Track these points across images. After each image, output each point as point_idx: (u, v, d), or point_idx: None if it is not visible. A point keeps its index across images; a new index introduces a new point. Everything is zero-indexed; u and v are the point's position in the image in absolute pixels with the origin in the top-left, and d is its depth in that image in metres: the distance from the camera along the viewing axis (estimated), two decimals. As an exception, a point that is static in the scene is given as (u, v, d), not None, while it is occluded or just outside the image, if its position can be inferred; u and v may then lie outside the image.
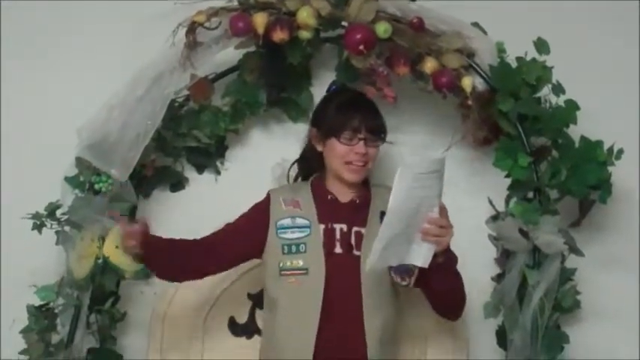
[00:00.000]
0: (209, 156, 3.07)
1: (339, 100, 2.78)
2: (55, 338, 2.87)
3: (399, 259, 2.57)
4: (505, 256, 2.89)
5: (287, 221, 2.74)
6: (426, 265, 2.57)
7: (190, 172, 3.09)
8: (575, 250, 2.86)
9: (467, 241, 2.83)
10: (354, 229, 2.72)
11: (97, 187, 2.88)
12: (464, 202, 2.95)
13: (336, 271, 2.68)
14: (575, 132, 2.87)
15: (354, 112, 2.72)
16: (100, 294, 2.90)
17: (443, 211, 2.56)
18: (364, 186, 2.79)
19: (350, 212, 2.75)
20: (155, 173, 3.02)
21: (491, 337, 2.91)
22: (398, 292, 2.77)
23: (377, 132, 2.73)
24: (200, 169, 3.08)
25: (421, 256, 2.56)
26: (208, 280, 2.93)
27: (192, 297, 2.98)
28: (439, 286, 2.67)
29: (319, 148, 2.77)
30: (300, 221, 2.74)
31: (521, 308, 2.83)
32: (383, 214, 2.57)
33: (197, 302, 2.98)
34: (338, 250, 2.71)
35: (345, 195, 2.77)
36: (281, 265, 2.71)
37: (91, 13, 3.10)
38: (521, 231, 2.83)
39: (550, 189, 2.87)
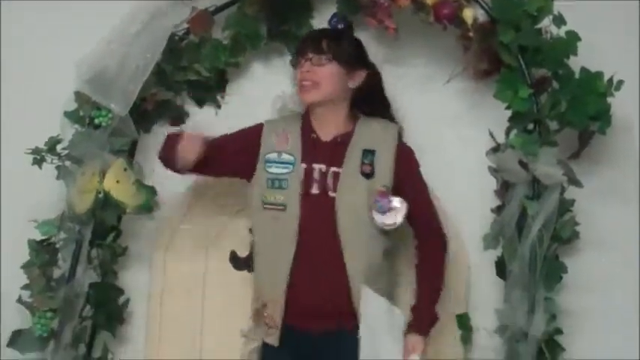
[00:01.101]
0: (209, 89, 3.08)
1: None
2: (56, 273, 2.92)
3: None
4: (505, 188, 2.93)
5: (274, 155, 2.79)
6: None
7: (191, 106, 3.11)
8: (574, 181, 2.90)
9: (467, 173, 2.90)
10: (332, 169, 2.76)
11: (96, 121, 2.91)
12: (465, 134, 3.01)
13: (310, 212, 2.73)
14: (575, 63, 2.90)
15: (306, 40, 2.83)
16: (101, 229, 2.94)
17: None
18: (350, 119, 2.82)
19: (330, 151, 2.78)
20: (155, 107, 3.04)
21: (491, 268, 2.95)
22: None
23: (323, 50, 2.77)
24: (200, 103, 3.10)
25: None
26: (209, 214, 3.02)
27: (193, 231, 3.04)
28: None
29: None
30: (285, 157, 2.79)
31: (520, 239, 2.87)
32: (365, 152, 2.67)
33: (198, 236, 3.04)
34: (314, 190, 2.75)
35: (327, 133, 2.81)
36: (264, 198, 2.76)
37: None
38: (520, 162, 2.87)
39: (550, 120, 2.90)
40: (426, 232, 2.81)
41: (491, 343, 2.97)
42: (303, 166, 2.77)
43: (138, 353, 3.06)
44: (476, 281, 3.06)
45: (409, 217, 2.75)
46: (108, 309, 2.97)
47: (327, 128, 2.81)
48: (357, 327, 2.72)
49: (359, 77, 2.81)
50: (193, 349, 3.04)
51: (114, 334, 3.01)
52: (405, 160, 2.80)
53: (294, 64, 2.87)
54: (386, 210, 2.72)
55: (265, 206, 2.77)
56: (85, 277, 2.92)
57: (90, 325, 2.96)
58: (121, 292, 3.00)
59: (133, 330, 3.07)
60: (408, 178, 2.79)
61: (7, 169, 3.08)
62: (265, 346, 2.79)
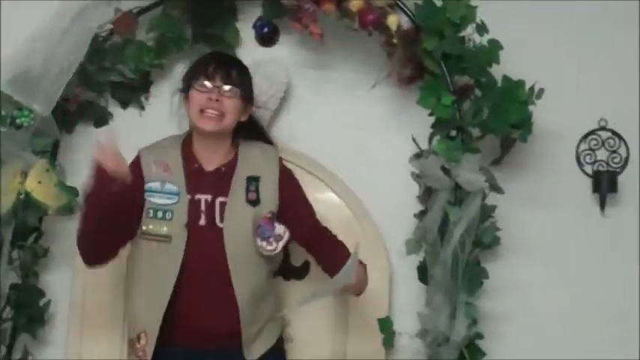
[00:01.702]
0: (133, 91, 3.09)
1: (201, 58, 2.82)
2: (-24, 274, 2.89)
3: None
4: (427, 194, 2.97)
5: (156, 185, 2.75)
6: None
7: (114, 107, 3.11)
8: (495, 187, 2.95)
9: (391, 178, 2.94)
10: (219, 199, 2.74)
11: (18, 121, 2.90)
12: (388, 140, 3.05)
13: (198, 243, 2.71)
14: (497, 71, 2.95)
15: (210, 62, 2.75)
16: (23, 229, 2.93)
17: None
18: (232, 147, 2.80)
19: (215, 181, 2.76)
20: (79, 108, 3.04)
21: (413, 272, 2.99)
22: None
23: (233, 82, 2.74)
24: (124, 104, 3.11)
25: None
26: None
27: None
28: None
29: (186, 107, 2.78)
30: (169, 187, 2.75)
31: (442, 244, 2.91)
32: (250, 179, 2.70)
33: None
34: (202, 222, 2.73)
35: (210, 162, 2.77)
36: (144, 228, 2.73)
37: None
38: (443, 169, 2.91)
39: (472, 127, 2.95)
40: (316, 236, 2.83)
41: (413, 347, 3.00)
42: (188, 197, 2.74)
43: (59, 355, 3.05)
44: (398, 285, 3.09)
45: (298, 234, 2.78)
46: (29, 311, 2.97)
47: (212, 157, 2.78)
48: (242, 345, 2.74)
49: (249, 111, 2.80)
50: (114, 353, 3.02)
51: (34, 336, 3.00)
52: (288, 183, 2.81)
53: (189, 84, 2.75)
54: (269, 236, 2.74)
55: (145, 236, 2.73)
56: (6, 279, 2.91)
57: (10, 327, 2.95)
58: (42, 293, 3.00)
59: (54, 332, 3.06)
60: (292, 200, 2.80)
61: None
62: None
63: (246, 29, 3.06)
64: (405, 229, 2.96)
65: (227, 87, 2.72)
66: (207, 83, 2.72)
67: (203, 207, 2.73)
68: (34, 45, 2.86)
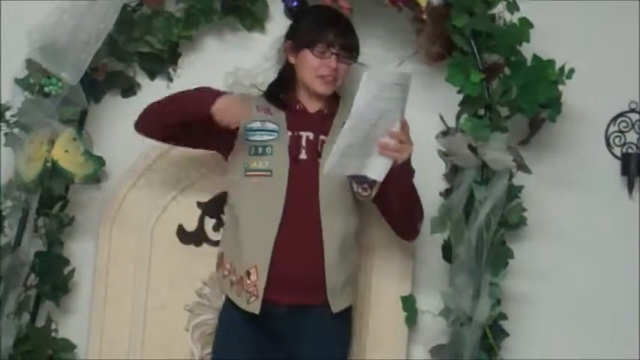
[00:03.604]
0: (161, 62, 3.14)
1: (317, 14, 2.93)
2: (2, 240, 2.97)
3: (356, 169, 2.70)
4: (454, 172, 3.01)
5: (256, 124, 2.86)
6: (381, 179, 2.71)
7: (142, 78, 3.16)
8: (522, 167, 2.99)
9: (417, 156, 2.93)
10: (321, 137, 2.84)
11: (47, 89, 2.96)
12: (415, 117, 3.03)
13: (299, 176, 2.81)
14: (527, 50, 2.99)
15: (329, 27, 2.85)
16: (49, 198, 3.00)
17: (404, 126, 2.69)
18: (333, 99, 2.91)
19: (317, 121, 2.87)
20: (107, 78, 3.10)
21: (437, 251, 3.04)
22: (360, 202, 2.88)
23: (349, 49, 2.86)
24: (152, 75, 3.16)
25: (377, 169, 2.70)
26: (157, 187, 3.09)
27: (141, 203, 3.10)
28: (394, 200, 2.81)
29: (292, 60, 2.89)
30: (269, 125, 2.86)
31: (467, 223, 2.95)
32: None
33: (146, 209, 3.10)
34: (303, 156, 2.84)
35: (313, 106, 2.90)
36: (246, 165, 2.84)
37: None
38: (470, 147, 2.95)
39: (501, 106, 2.99)
40: None
41: (436, 326, 3.05)
42: (289, 133, 2.85)
43: (82, 324, 3.11)
44: (422, 264, 3.14)
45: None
46: (53, 279, 3.04)
47: (314, 102, 2.90)
48: (327, 302, 2.81)
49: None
50: (138, 321, 3.09)
51: (58, 304, 3.07)
52: None
53: (304, 43, 2.85)
54: (363, 181, 2.79)
55: (247, 173, 2.83)
56: (31, 246, 2.98)
57: (34, 295, 3.02)
58: (66, 262, 3.07)
59: (78, 300, 3.13)
60: None
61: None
62: (228, 316, 2.87)
63: (275, 2, 3.10)
64: (430, 207, 2.98)
65: (345, 54, 2.85)
66: (326, 51, 2.83)
67: (304, 143, 2.85)
68: (63, 15, 2.91)
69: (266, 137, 2.85)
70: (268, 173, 2.82)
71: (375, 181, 2.76)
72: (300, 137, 2.85)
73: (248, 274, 2.80)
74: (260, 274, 2.78)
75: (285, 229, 2.79)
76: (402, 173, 2.74)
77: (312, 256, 2.80)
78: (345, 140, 2.62)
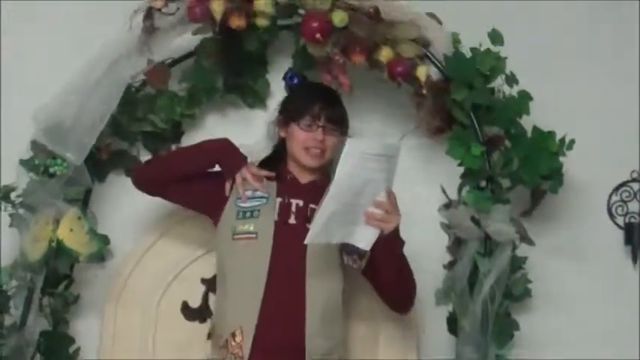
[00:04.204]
0: (165, 141, 3.19)
1: (303, 89, 3.00)
2: (7, 320, 2.98)
3: (342, 237, 2.73)
4: (457, 244, 3.03)
5: (247, 193, 2.90)
6: (368, 248, 2.74)
7: (146, 157, 3.19)
8: (526, 238, 3.01)
9: (419, 229, 2.99)
10: (311, 205, 2.88)
11: (51, 170, 3.01)
12: (417, 191, 3.13)
13: (286, 240, 2.84)
14: (527, 122, 3.03)
15: (314, 100, 2.91)
16: (54, 277, 3.02)
17: (390, 196, 2.73)
18: (323, 173, 2.96)
19: (308, 191, 2.92)
20: (110, 157, 3.14)
21: (442, 324, 3.04)
22: (347, 273, 2.90)
23: (336, 121, 2.92)
24: (155, 154, 3.18)
25: (364, 238, 2.73)
26: (162, 265, 3.12)
27: (145, 281, 3.13)
28: (384, 272, 2.83)
29: (282, 133, 2.96)
30: (258, 194, 2.91)
31: (472, 296, 2.96)
32: None
33: (150, 286, 3.13)
34: (292, 221, 2.88)
35: (305, 177, 2.95)
36: (233, 229, 2.88)
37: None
38: (473, 219, 2.97)
39: (502, 178, 3.02)
40: None
41: (443, 399, 3.06)
42: (279, 199, 2.90)
43: (88, 403, 3.13)
44: (427, 336, 3.16)
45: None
46: (58, 358, 3.04)
47: (307, 174, 2.95)
48: None
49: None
50: (142, 399, 3.12)
51: (64, 383, 3.08)
52: None
53: (291, 118, 2.91)
54: (352, 252, 2.82)
55: (235, 237, 2.87)
56: (37, 325, 2.99)
57: (40, 375, 3.04)
58: (71, 340, 3.07)
59: (84, 379, 3.15)
60: None
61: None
62: None
63: (276, 80, 3.17)
64: (434, 279, 3.01)
65: (331, 126, 2.90)
66: (312, 124, 2.90)
67: (294, 209, 2.89)
68: (68, 97, 2.97)
69: (256, 203, 2.90)
70: (254, 235, 2.86)
71: (365, 253, 2.80)
72: (290, 204, 2.90)
73: (233, 335, 2.81)
74: (245, 335, 2.80)
75: (270, 292, 2.81)
76: (390, 243, 2.77)
77: (295, 321, 2.81)
78: (329, 207, 2.66)
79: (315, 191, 2.88)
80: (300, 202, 2.90)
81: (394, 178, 2.72)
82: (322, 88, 3.01)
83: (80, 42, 3.12)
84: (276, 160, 2.99)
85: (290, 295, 2.82)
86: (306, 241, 2.71)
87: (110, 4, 3.12)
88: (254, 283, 2.82)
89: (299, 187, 2.93)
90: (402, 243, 2.82)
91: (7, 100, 3.20)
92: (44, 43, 3.22)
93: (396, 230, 2.76)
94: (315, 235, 2.69)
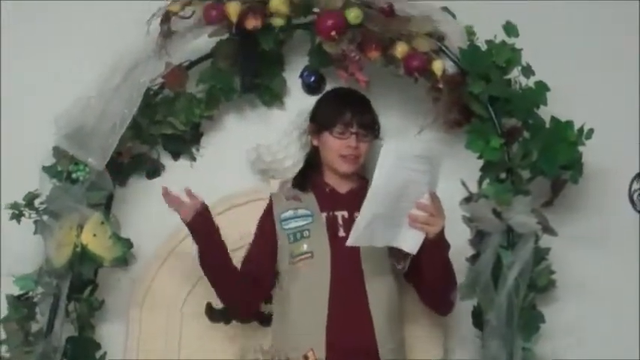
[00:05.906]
0: (184, 142, 3.27)
1: (333, 96, 3.09)
2: (34, 327, 3.06)
3: (386, 240, 2.81)
4: (479, 237, 3.08)
5: (289, 213, 3.01)
6: (414, 252, 2.83)
7: (166, 159, 3.29)
8: (548, 229, 3.06)
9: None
10: (356, 214, 2.91)
11: (74, 175, 3.09)
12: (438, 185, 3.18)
13: (341, 254, 2.93)
14: (545, 113, 3.08)
15: (345, 108, 3.00)
16: (79, 282, 3.09)
17: (434, 198, 2.81)
18: (360, 178, 3.05)
19: (350, 200, 3.00)
20: (131, 161, 3.23)
21: (468, 317, 3.10)
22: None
23: (368, 127, 3.01)
24: (176, 156, 3.29)
25: (409, 241, 2.82)
26: (185, 267, 3.17)
27: (169, 284, 3.20)
28: (428, 275, 2.90)
29: (314, 142, 3.05)
30: (301, 212, 3.01)
31: (496, 288, 3.00)
32: None
33: (174, 289, 3.20)
34: (342, 233, 2.96)
35: (343, 187, 3.04)
36: (290, 253, 2.97)
37: (66, 3, 3.30)
38: (494, 212, 3.02)
39: (522, 169, 3.07)
40: None
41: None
42: (324, 214, 2.99)
43: (115, 407, 3.19)
44: (452, 331, 3.22)
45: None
46: (85, 363, 3.12)
47: (344, 183, 3.04)
48: None
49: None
50: (170, 403, 3.18)
51: (91, 388, 3.15)
52: None
53: (323, 126, 3.00)
54: (396, 253, 2.89)
55: (293, 260, 2.96)
56: (63, 331, 3.06)
57: (67, 381, 3.10)
58: (97, 346, 3.14)
59: (111, 384, 3.21)
60: None
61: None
62: None
63: (293, 78, 3.27)
64: (457, 273, 3.03)
65: (364, 132, 2.99)
66: (345, 131, 2.98)
67: (340, 221, 2.98)
68: (88, 102, 3.05)
69: (301, 222, 2.99)
70: (309, 255, 2.95)
71: (407, 254, 2.86)
72: (335, 217, 2.99)
73: (306, 358, 2.89)
74: (319, 350, 2.88)
75: (334, 307, 2.90)
76: (434, 247, 2.85)
77: (363, 328, 2.90)
78: (370, 209, 2.73)
79: (357, 200, 2.92)
80: (345, 214, 2.99)
81: (438, 181, 2.80)
82: (352, 94, 3.08)
83: (99, 47, 3.18)
84: (312, 170, 3.08)
85: (354, 305, 2.91)
86: (347, 243, 2.80)
87: (128, 9, 3.19)
88: (318, 300, 2.91)
89: (340, 198, 3.02)
90: (447, 246, 2.91)
91: (28, 106, 3.26)
92: (64, 49, 3.28)
93: (441, 233, 2.85)
94: (357, 238, 2.77)
